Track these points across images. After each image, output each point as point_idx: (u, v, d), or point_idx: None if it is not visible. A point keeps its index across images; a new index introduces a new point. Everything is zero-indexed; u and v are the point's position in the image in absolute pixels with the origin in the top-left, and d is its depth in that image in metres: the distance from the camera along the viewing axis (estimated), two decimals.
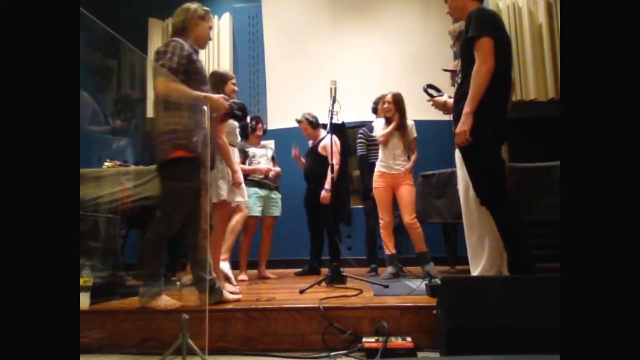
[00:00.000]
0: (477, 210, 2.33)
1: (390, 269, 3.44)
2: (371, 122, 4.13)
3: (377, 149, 3.91)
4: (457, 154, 2.47)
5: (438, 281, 2.14)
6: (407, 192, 3.47)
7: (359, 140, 4.00)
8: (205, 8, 2.50)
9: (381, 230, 3.52)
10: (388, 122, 3.54)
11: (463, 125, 2.05)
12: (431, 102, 2.66)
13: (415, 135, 3.58)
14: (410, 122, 3.57)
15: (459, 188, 2.55)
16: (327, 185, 3.84)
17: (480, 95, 2.02)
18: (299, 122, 4.18)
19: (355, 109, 4.66)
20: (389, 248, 3.48)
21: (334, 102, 3.27)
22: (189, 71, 2.29)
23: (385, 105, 3.55)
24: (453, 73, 3.09)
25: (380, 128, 3.57)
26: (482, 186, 2.14)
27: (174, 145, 2.22)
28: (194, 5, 2.46)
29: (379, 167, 3.56)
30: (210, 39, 2.60)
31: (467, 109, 2.04)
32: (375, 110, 4.00)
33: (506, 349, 1.64)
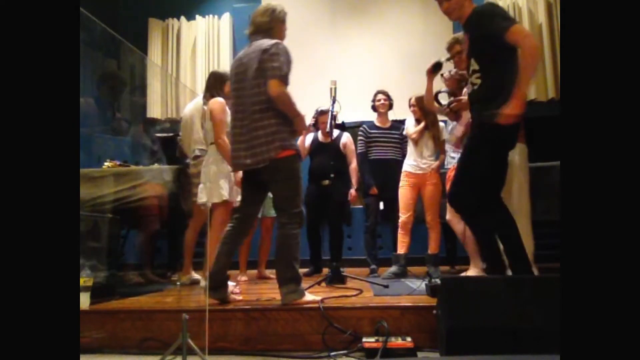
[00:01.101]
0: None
1: (393, 269, 3.43)
2: (370, 121, 4.08)
3: (377, 147, 3.90)
4: None
5: (438, 281, 2.14)
6: (431, 192, 3.48)
7: (359, 138, 4.00)
8: (285, 10, 2.49)
9: (400, 230, 3.50)
10: (418, 122, 3.57)
11: (517, 108, 1.99)
12: (453, 104, 2.62)
13: (445, 137, 3.58)
14: (441, 124, 3.58)
15: None
16: (355, 184, 3.87)
17: (533, 74, 2.00)
18: (323, 112, 3.93)
19: (355, 109, 4.65)
20: (401, 247, 3.48)
21: (334, 102, 3.26)
22: None
23: (411, 108, 3.60)
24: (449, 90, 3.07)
25: (411, 126, 3.60)
26: (490, 180, 2.12)
27: (282, 146, 2.26)
28: (278, 7, 2.45)
29: (405, 167, 3.57)
30: None
31: (521, 89, 2.00)
32: (374, 108, 3.98)
33: (506, 349, 1.64)
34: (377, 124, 3.99)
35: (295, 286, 2.24)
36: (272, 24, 2.41)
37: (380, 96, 3.94)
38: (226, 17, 5.66)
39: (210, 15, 5.66)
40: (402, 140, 3.89)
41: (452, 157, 3.21)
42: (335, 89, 3.26)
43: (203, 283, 3.08)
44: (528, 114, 4.94)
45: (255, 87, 2.28)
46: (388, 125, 3.97)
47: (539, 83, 5.00)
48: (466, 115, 2.63)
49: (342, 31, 5.42)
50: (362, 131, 4.01)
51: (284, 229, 2.31)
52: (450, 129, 3.28)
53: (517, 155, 2.25)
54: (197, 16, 5.67)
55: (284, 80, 2.24)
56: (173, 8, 5.75)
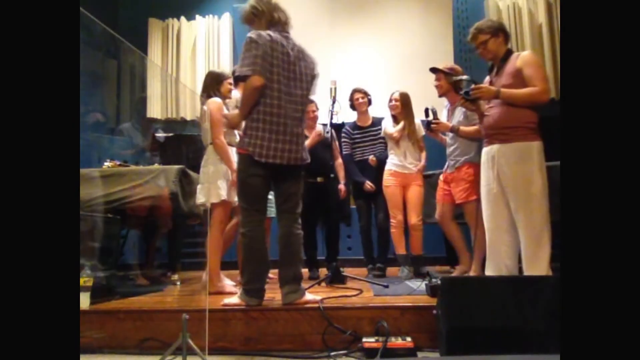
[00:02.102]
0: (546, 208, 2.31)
1: (406, 269, 3.43)
2: (352, 122, 3.95)
3: (361, 148, 3.80)
4: (486, 151, 2.46)
5: (438, 281, 2.14)
6: (416, 193, 3.47)
7: (343, 140, 3.85)
8: None
9: (392, 230, 3.50)
10: (396, 119, 3.55)
11: None
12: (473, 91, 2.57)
13: (422, 133, 3.57)
14: (417, 121, 3.56)
15: (486, 189, 2.49)
16: (343, 179, 3.77)
17: None
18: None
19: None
20: (400, 247, 3.47)
21: (334, 102, 3.26)
22: None
23: (392, 103, 3.57)
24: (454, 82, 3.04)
25: (390, 125, 3.57)
26: None
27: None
28: None
29: (390, 166, 3.54)
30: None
31: None
32: (353, 107, 3.87)
33: (506, 349, 1.64)
34: (359, 123, 3.88)
35: (297, 286, 2.24)
36: None
37: (357, 95, 3.81)
38: (226, 17, 5.66)
39: (210, 15, 5.66)
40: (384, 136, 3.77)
41: (454, 160, 3.18)
42: (335, 89, 3.26)
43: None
44: None
45: (307, 91, 2.40)
46: (369, 123, 3.85)
47: None
48: (482, 106, 2.60)
49: (342, 31, 5.42)
50: (345, 133, 3.87)
51: (291, 228, 2.34)
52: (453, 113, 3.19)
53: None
54: (197, 16, 5.67)
55: None
56: (173, 8, 5.75)
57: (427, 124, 3.11)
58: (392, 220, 3.50)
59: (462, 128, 3.01)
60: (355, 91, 3.85)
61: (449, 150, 3.25)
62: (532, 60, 2.38)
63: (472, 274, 3.02)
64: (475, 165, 2.84)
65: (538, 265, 2.24)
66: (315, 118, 3.83)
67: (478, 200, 2.70)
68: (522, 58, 2.38)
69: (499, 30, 2.48)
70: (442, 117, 3.27)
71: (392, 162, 3.54)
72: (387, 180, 3.53)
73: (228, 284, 3.01)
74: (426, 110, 3.10)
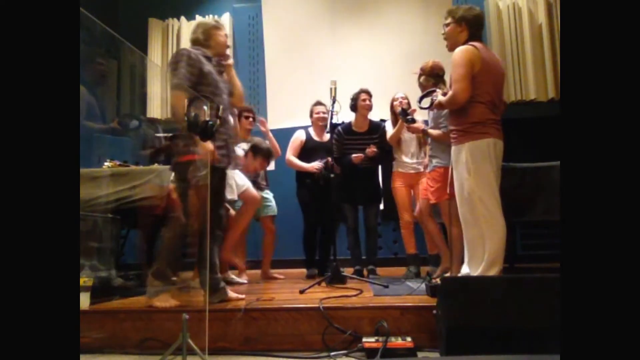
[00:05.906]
0: (479, 208, 2.33)
1: (412, 269, 3.44)
2: (348, 122, 3.83)
3: (353, 151, 3.65)
4: (452, 152, 2.50)
5: (438, 281, 2.14)
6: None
7: (333, 143, 3.58)
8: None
9: (402, 230, 3.52)
10: (396, 122, 3.48)
11: None
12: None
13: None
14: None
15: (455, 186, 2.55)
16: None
17: None
18: (319, 103, 3.91)
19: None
20: (410, 247, 3.49)
21: (334, 102, 3.26)
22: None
23: (396, 104, 3.53)
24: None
25: (391, 129, 3.56)
26: None
27: None
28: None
29: (395, 168, 3.55)
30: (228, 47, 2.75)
31: None
32: (355, 108, 3.70)
33: (506, 349, 1.64)
34: (355, 128, 3.73)
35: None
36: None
37: (365, 96, 3.68)
38: (226, 17, 5.66)
39: (210, 15, 5.66)
40: (383, 144, 3.60)
41: (430, 160, 3.17)
42: (335, 89, 3.26)
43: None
44: (528, 114, 4.95)
45: None
46: (365, 129, 3.72)
47: (539, 83, 5.00)
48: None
49: (342, 31, 5.42)
50: (337, 135, 3.66)
51: None
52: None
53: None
54: (197, 16, 5.67)
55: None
56: (173, 8, 5.75)
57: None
58: (400, 220, 3.52)
59: (430, 131, 3.05)
60: (362, 92, 3.73)
61: (428, 150, 3.29)
62: (453, 61, 2.34)
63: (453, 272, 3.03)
64: (444, 167, 2.89)
65: (473, 265, 2.37)
66: (323, 119, 3.86)
67: (451, 199, 2.72)
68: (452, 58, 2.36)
69: (463, 20, 2.39)
70: (431, 115, 3.27)
71: (397, 164, 3.55)
72: (395, 181, 3.55)
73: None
74: (401, 111, 3.15)
